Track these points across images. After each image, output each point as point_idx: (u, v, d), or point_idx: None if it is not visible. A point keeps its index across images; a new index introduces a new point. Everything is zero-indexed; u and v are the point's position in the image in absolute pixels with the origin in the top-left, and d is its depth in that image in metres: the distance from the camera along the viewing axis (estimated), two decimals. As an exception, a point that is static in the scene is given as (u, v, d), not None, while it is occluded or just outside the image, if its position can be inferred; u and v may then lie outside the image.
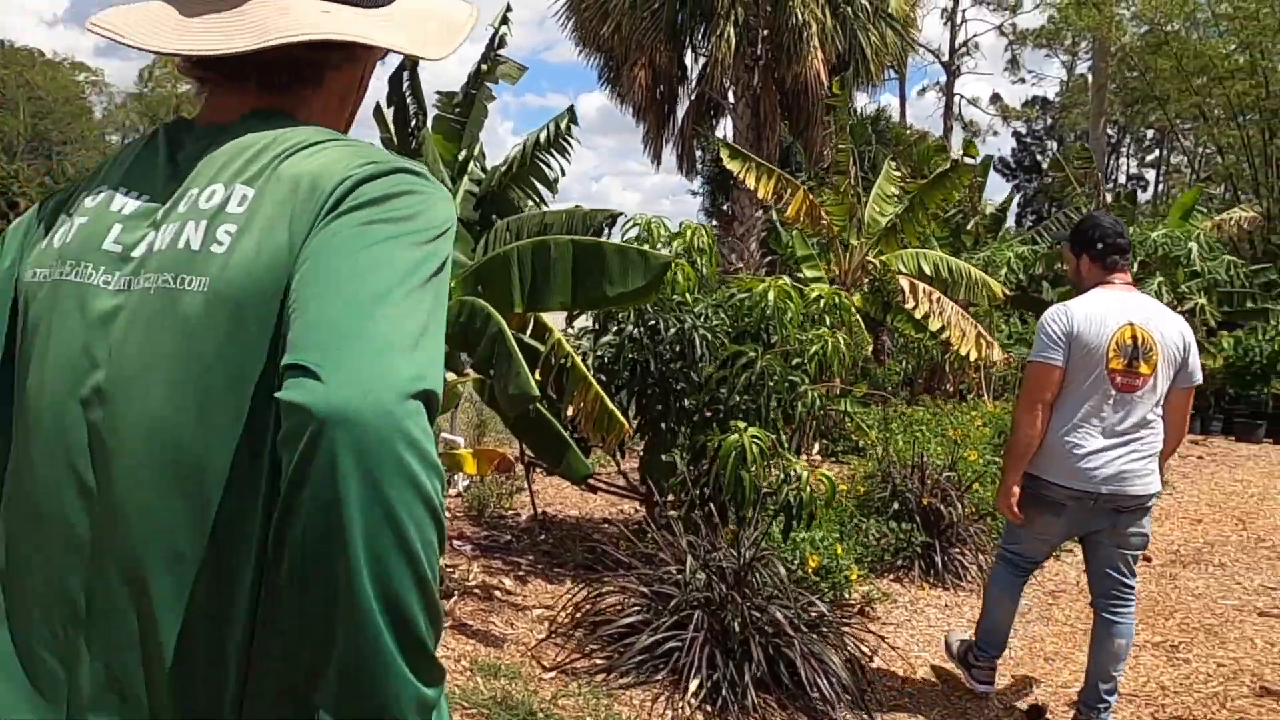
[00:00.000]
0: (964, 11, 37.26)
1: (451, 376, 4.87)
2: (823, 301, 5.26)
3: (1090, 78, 33.86)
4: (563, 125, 4.45)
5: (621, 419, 4.20)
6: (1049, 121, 44.03)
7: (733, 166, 8.72)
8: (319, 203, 0.84)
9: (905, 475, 5.62)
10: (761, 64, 14.34)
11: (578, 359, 4.27)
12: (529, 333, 4.38)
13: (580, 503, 6.74)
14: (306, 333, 0.75)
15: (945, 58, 36.30)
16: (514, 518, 6.46)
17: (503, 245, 4.25)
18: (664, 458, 5.02)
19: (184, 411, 0.84)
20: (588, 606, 4.13)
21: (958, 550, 5.39)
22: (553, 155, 4.47)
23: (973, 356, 8.99)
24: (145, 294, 0.88)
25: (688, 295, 4.94)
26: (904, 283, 8.63)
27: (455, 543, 5.58)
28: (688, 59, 16.07)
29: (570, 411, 4.22)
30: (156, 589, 0.83)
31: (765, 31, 14.59)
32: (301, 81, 0.99)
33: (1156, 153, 41.61)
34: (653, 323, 4.77)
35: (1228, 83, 23.39)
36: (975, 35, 55.67)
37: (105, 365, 0.88)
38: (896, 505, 5.43)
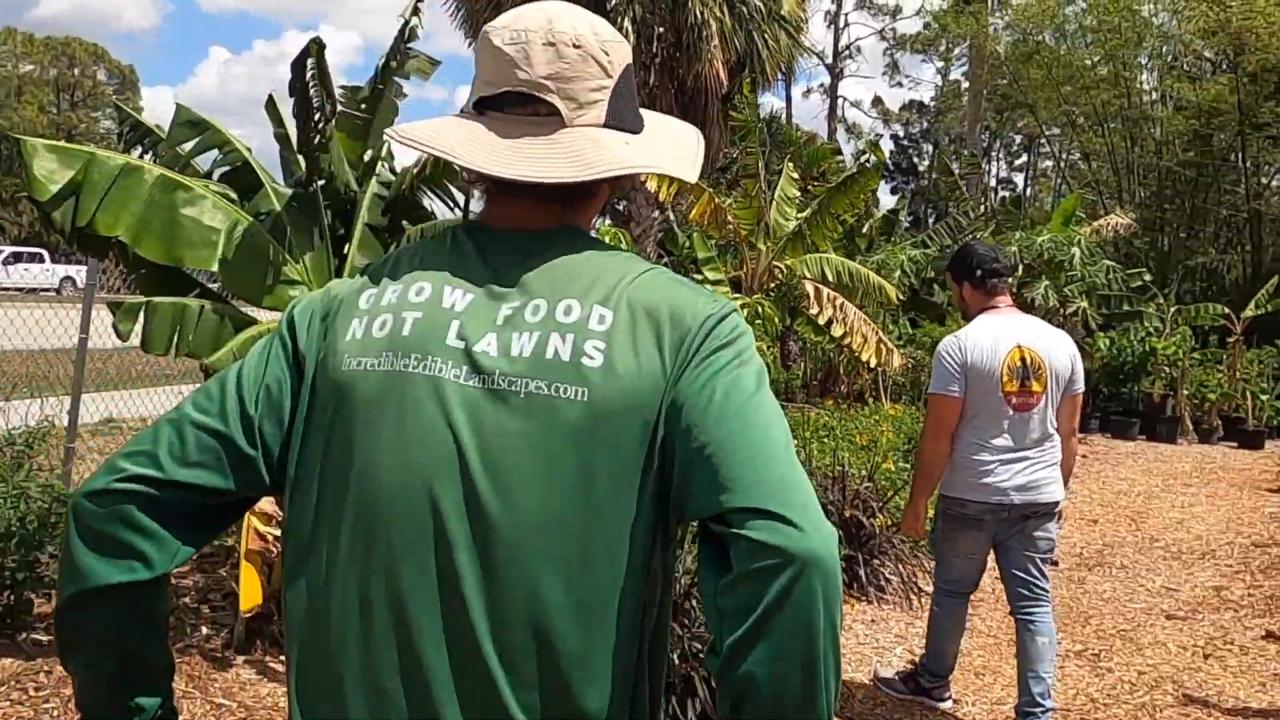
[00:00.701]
0: (846, 15, 38.24)
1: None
2: (745, 310, 5.12)
3: (966, 84, 35.25)
4: (479, 125, 4.16)
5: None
6: (925, 125, 45.70)
7: None
8: (686, 340, 0.98)
9: (826, 487, 5.55)
10: (658, 62, 14.20)
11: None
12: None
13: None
14: (753, 478, 0.90)
15: (829, 60, 37.16)
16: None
17: (417, 254, 3.94)
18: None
19: (569, 506, 0.95)
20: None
21: (879, 562, 5.35)
22: (469, 157, 4.16)
23: (873, 362, 9.09)
24: (514, 394, 0.97)
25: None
26: (809, 288, 8.63)
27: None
28: (584, 55, 15.81)
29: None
30: (519, 655, 0.96)
31: (661, 29, 14.47)
32: (586, 196, 1.11)
33: (1025, 157, 43.75)
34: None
35: (1093, 92, 24.68)
36: (858, 39, 57.29)
37: (477, 456, 0.96)
38: (820, 518, 5.35)
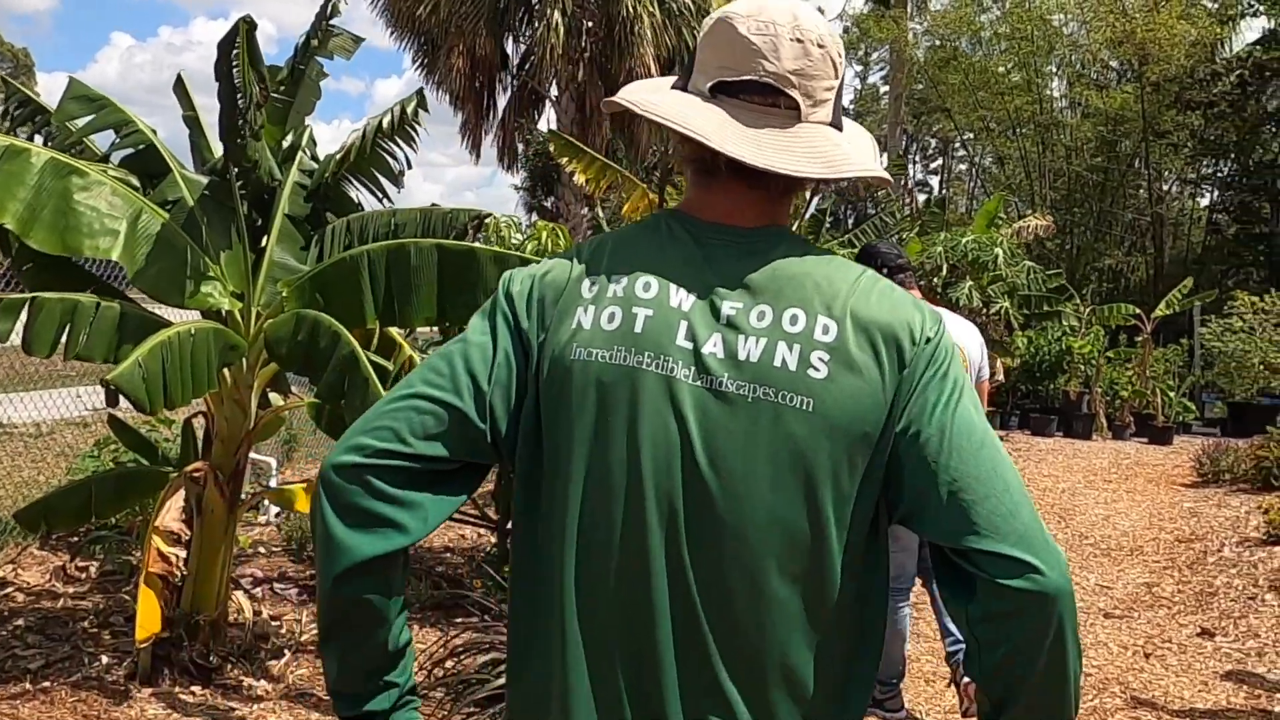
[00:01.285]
0: (770, 18, 38.44)
1: (276, 400, 4.19)
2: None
3: (885, 88, 35.84)
4: (409, 109, 3.87)
5: (485, 447, 3.71)
6: (845, 128, 46.23)
7: (562, 159, 8.22)
8: (907, 361, 1.03)
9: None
10: (588, 56, 13.98)
11: (433, 379, 3.73)
12: (374, 347, 3.79)
13: (418, 528, 6.10)
14: (999, 522, 0.99)
15: (753, 62, 37.27)
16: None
17: (342, 248, 3.63)
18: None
19: (791, 509, 1.01)
20: (451, 664, 3.61)
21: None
22: (398, 143, 3.88)
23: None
24: (741, 398, 1.01)
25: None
26: (744, 286, 8.52)
27: (277, 586, 4.87)
28: (510, 47, 15.49)
29: (425, 440, 3.68)
30: (741, 641, 1.03)
31: (590, 24, 14.25)
32: (788, 194, 1.13)
33: (940, 160, 44.80)
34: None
35: (1006, 97, 25.37)
36: (777, 42, 57.53)
37: (705, 453, 1.00)
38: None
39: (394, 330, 3.80)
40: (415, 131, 3.95)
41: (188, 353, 3.07)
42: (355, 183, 4.00)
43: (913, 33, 28.48)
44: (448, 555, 5.67)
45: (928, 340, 1.05)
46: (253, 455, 7.16)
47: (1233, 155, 23.47)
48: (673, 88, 1.14)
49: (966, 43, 26.85)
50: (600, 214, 14.79)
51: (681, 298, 1.05)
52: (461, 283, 3.12)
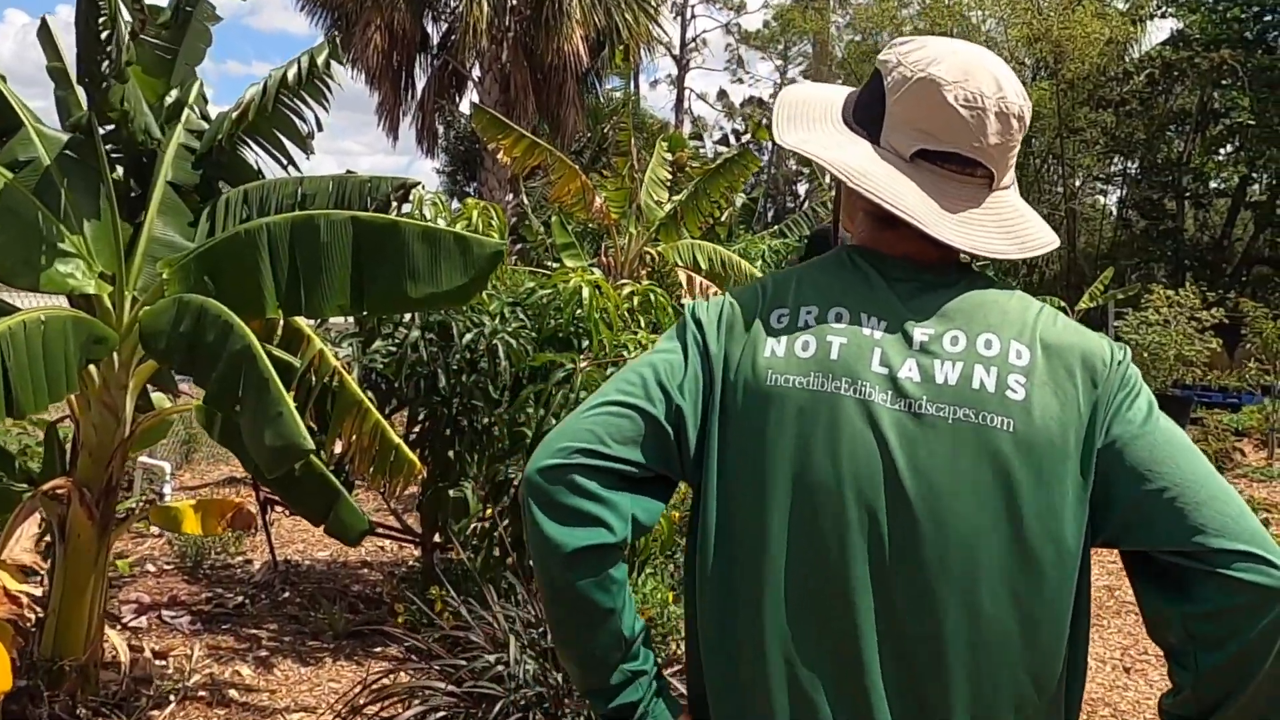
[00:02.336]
0: (693, 7, 38.32)
1: (161, 401, 3.57)
2: (635, 299, 4.48)
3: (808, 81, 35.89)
4: (320, 60, 3.30)
5: (412, 457, 3.17)
6: (765, 120, 46.58)
7: (488, 136, 7.63)
8: (1100, 383, 1.08)
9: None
10: (513, 35, 13.36)
11: (349, 377, 3.18)
12: (277, 340, 3.22)
13: (330, 541, 5.51)
14: (1229, 523, 1.01)
15: (676, 52, 37.08)
16: (244, 567, 5.13)
17: (240, 221, 3.05)
18: (452, 492, 4.03)
19: (996, 527, 1.03)
20: (374, 710, 3.08)
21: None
22: (306, 101, 3.31)
23: (744, 353, 8.66)
24: (941, 419, 1.05)
25: (484, 297, 3.97)
26: (682, 276, 8.10)
27: (167, 614, 4.24)
28: (430, 25, 14.74)
29: (338, 447, 3.14)
30: (953, 657, 1.03)
31: (515, 1, 13.62)
32: None
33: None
34: (444, 324, 3.76)
35: (926, 93, 25.54)
36: (704, 31, 57.88)
37: (910, 473, 1.04)
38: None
39: (301, 321, 3.23)
40: (327, 87, 3.38)
41: (38, 347, 2.47)
42: (255, 146, 3.41)
43: (835, 25, 28.62)
44: (365, 571, 5.09)
45: (1118, 363, 1.09)
46: (144, 459, 6.43)
47: (1141, 153, 24.13)
48: (850, 123, 1.17)
49: (887, 36, 27.05)
50: (526, 201, 14.21)
51: (873, 326, 1.08)
52: (382, 263, 2.59)
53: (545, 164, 7.29)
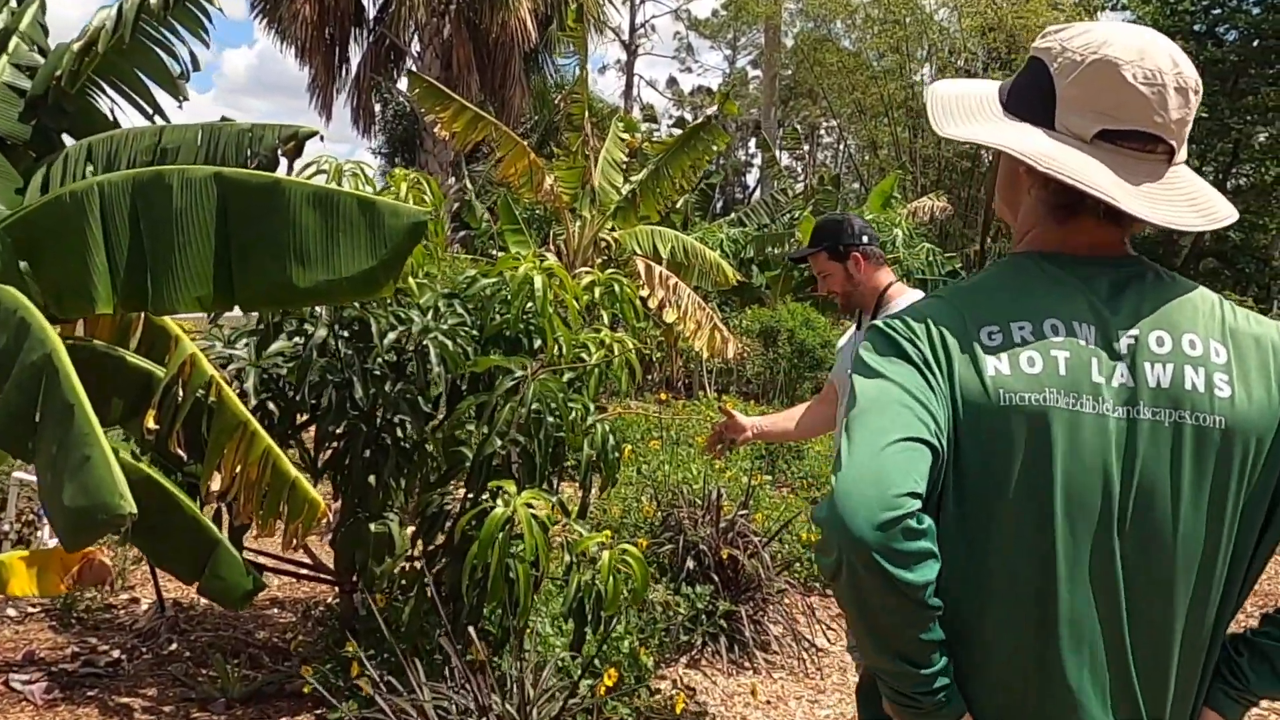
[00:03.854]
0: (642, -8, 37.56)
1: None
2: (597, 290, 3.77)
3: (754, 71, 35.54)
4: (194, -19, 2.53)
5: (313, 494, 2.44)
6: (716, 110, 45.98)
7: (426, 107, 6.81)
8: None
9: (695, 519, 4.32)
10: (454, 8, 12.49)
11: (229, 392, 2.42)
12: (136, 340, 2.45)
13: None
14: None
15: (625, 37, 36.30)
16: (129, 608, 4.31)
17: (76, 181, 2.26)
18: (374, 526, 3.29)
19: (1206, 527, 1.10)
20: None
21: (765, 616, 4.19)
22: (177, 32, 2.53)
23: (705, 353, 8.01)
24: (1158, 424, 1.10)
25: (410, 281, 3.23)
26: (640, 265, 7.40)
27: (15, 679, 3.42)
28: (364, -6, 13.78)
29: (217, 484, 2.39)
30: (1178, 654, 1.12)
31: (456, -28, 12.76)
32: (1139, 223, 1.18)
33: (806, 146, 45.09)
34: (361, 321, 3.02)
35: (880, 81, 25.30)
36: (653, 16, 57.16)
37: (1138, 482, 1.09)
38: (692, 563, 4.11)
39: (168, 319, 2.46)
40: (207, 16, 2.60)
41: None
42: (110, 91, 2.62)
43: (787, 12, 28.12)
44: (274, 613, 4.31)
45: None
46: (20, 474, 5.53)
47: (1093, 145, 24.12)
48: (1008, 108, 1.20)
49: (840, 25, 26.67)
50: (470, 185, 13.37)
51: (1086, 334, 1.12)
52: (258, 239, 1.85)
53: (489, 140, 6.53)
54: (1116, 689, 1.10)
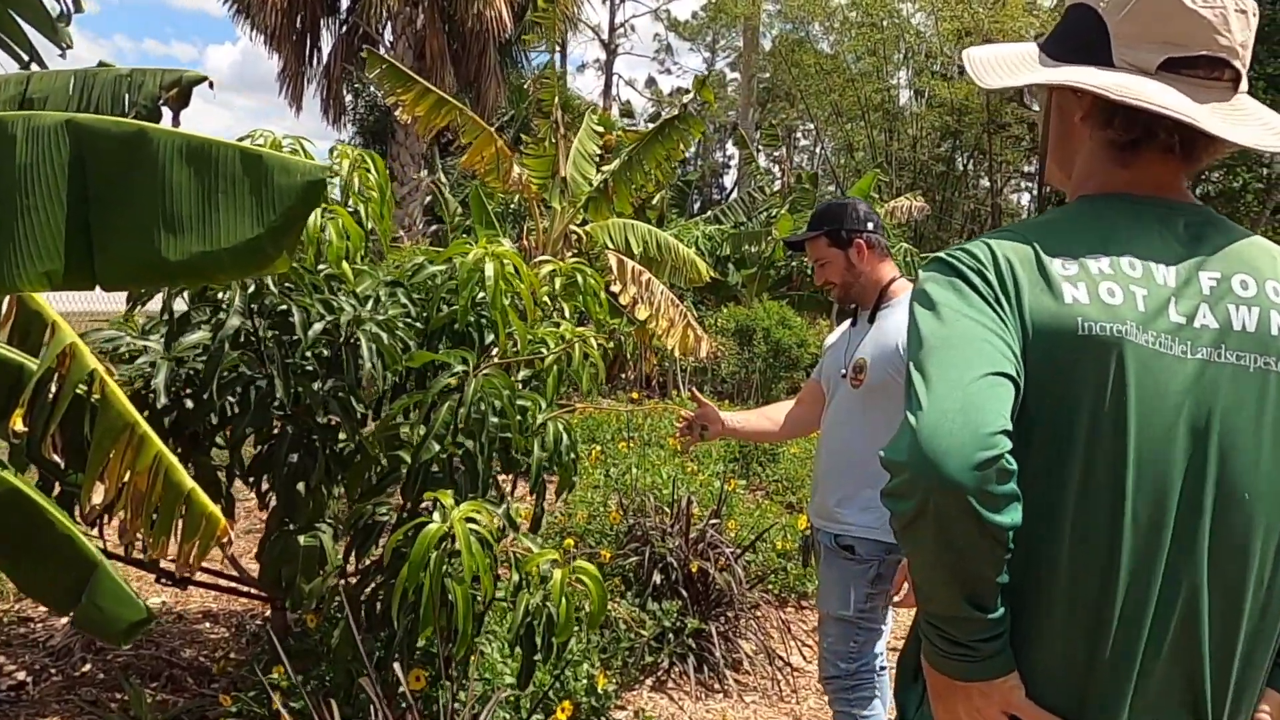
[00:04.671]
0: (623, -10, 37.30)
1: None
2: (558, 281, 3.45)
3: (735, 74, 35.42)
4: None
5: (212, 509, 2.11)
6: (696, 112, 45.70)
7: (386, 90, 6.42)
8: None
9: (664, 529, 4.02)
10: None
11: (115, 388, 2.08)
12: (6, 329, 2.11)
13: (157, 588, 4.33)
14: None
15: (604, 36, 35.99)
16: (45, 625, 3.94)
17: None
18: (303, 539, 2.96)
19: None
20: None
21: (737, 634, 3.89)
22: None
23: (678, 351, 7.71)
24: (1243, 369, 1.05)
25: (345, 266, 2.90)
26: (613, 260, 7.09)
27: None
28: (334, -18, 13.38)
29: (97, 497, 2.06)
30: (1251, 596, 1.05)
31: (428, -39, 12.39)
32: (1197, 165, 1.15)
33: (783, 149, 44.98)
34: (282, 309, 2.69)
35: (857, 84, 25.22)
36: (633, 15, 56.90)
37: (1219, 428, 1.03)
38: (659, 577, 3.80)
39: (41, 299, 2.12)
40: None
41: None
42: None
43: (766, 14, 27.96)
44: (205, 626, 3.96)
45: None
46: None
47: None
48: (1053, 56, 1.16)
49: (819, 27, 26.58)
50: (444, 178, 13.01)
51: (1163, 274, 1.07)
52: (120, 200, 1.52)
53: (454, 125, 6.18)
54: (1181, 652, 1.04)
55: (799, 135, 36.72)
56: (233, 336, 2.56)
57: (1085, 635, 1.04)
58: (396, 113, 6.00)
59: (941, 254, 1.12)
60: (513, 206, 12.38)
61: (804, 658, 4.06)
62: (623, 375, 12.02)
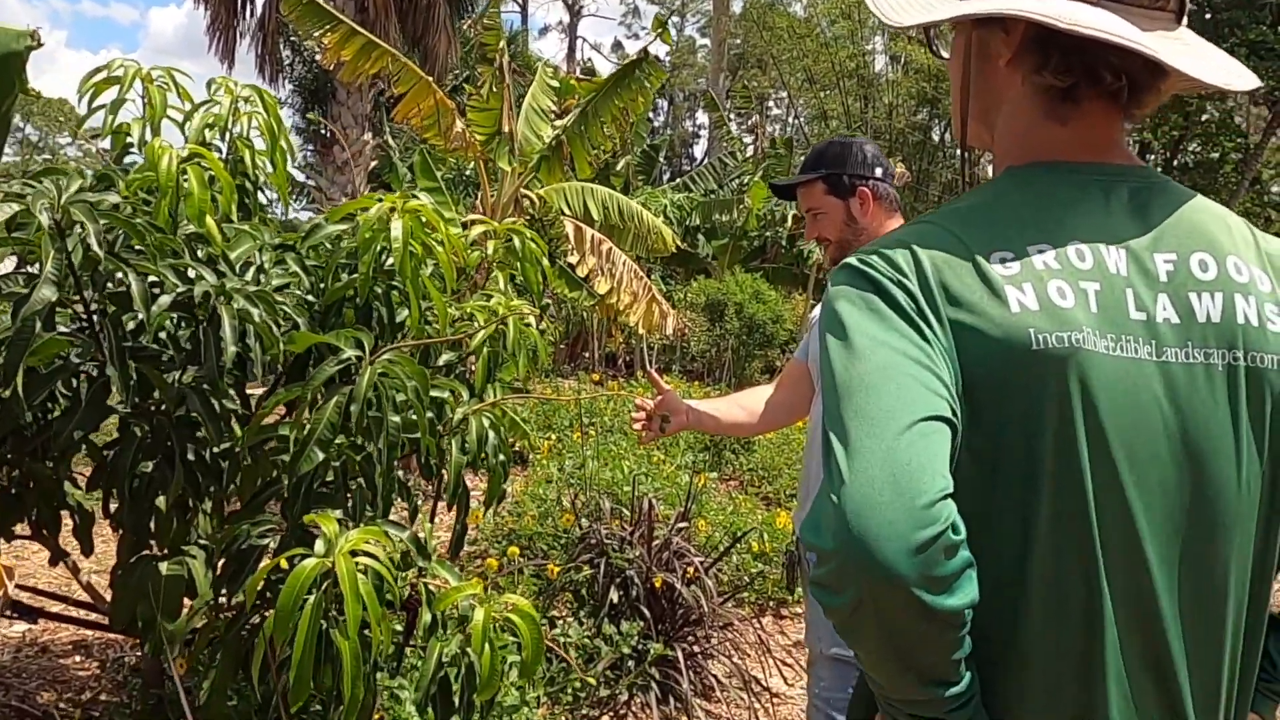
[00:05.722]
0: (587, -48, 36.30)
1: None
2: (491, 245, 2.86)
3: (705, 40, 34.69)
4: None
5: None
6: (653, 39, 44.89)
7: (303, 29, 5.67)
8: None
9: (624, 537, 3.46)
10: (372, -56, 11.31)
11: None
12: None
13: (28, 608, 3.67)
14: None
15: (568, -1, 35.03)
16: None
17: None
18: (165, 567, 2.36)
19: (1260, 484, 0.94)
20: None
21: (709, 657, 3.36)
22: None
23: (641, 327, 7.14)
24: (1211, 366, 0.91)
25: (210, 223, 2.28)
26: (569, 227, 6.48)
27: None
28: (273, -70, 12.47)
29: None
30: (1232, 617, 0.95)
31: (374, -92, 11.55)
32: (1131, 119, 1.01)
33: (755, 117, 44.36)
34: (120, 280, 2.08)
35: (831, 49, 24.75)
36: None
37: (1192, 436, 0.91)
38: (617, 594, 3.25)
39: None
40: None
41: None
42: None
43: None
44: (74, 661, 3.34)
45: None
46: None
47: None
48: None
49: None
50: (392, 142, 12.28)
51: (1115, 260, 0.92)
52: None
53: (386, 73, 5.51)
54: (1165, 678, 0.92)
55: (771, 104, 36.23)
56: (48, 314, 1.95)
57: (1069, 682, 0.91)
58: (320, 59, 5.32)
59: (853, 259, 0.94)
60: (467, 173, 11.69)
61: (784, 680, 3.55)
62: (585, 354, 11.45)
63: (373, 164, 11.84)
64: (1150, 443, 0.90)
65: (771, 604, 4.17)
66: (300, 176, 15.31)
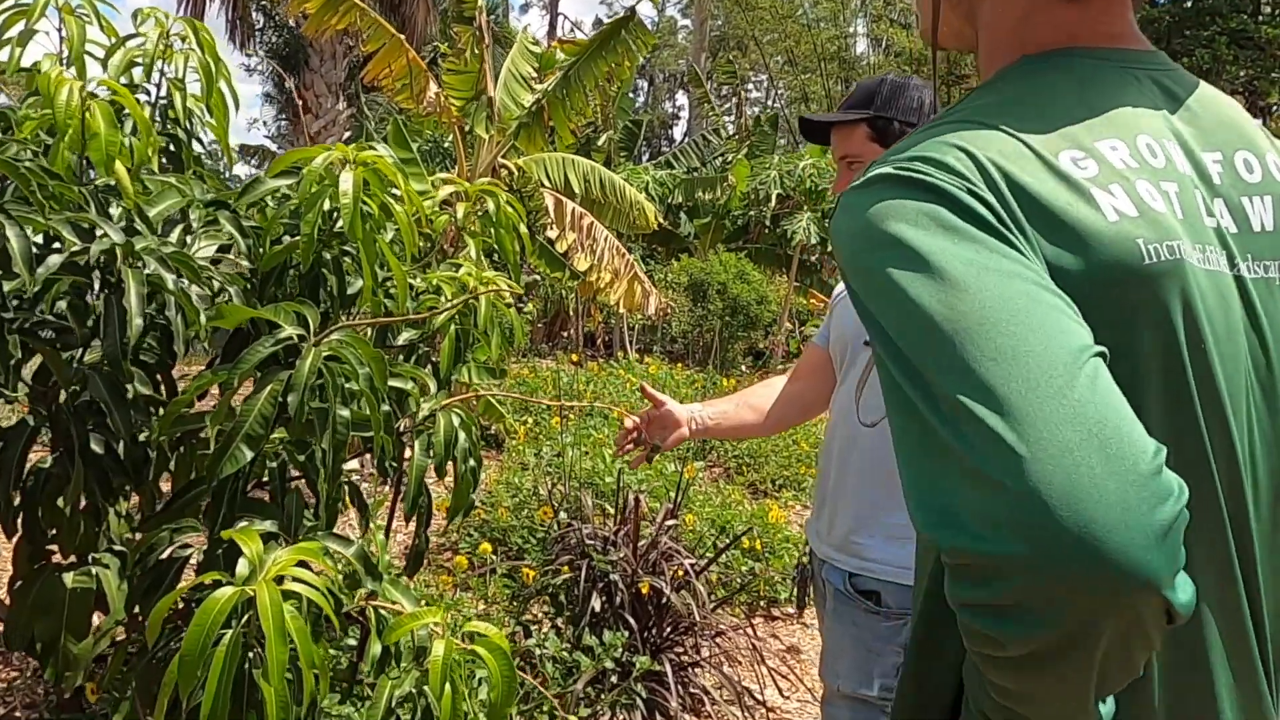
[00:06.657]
0: (568, -74, 35.66)
1: None
2: (462, 208, 2.51)
3: (686, 20, 34.30)
4: None
5: None
6: (643, 60, 44.47)
7: None
8: None
9: (608, 537, 3.13)
10: (344, -96, 10.80)
11: None
12: None
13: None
14: None
15: (549, -26, 34.40)
16: None
17: None
18: (71, 579, 2.01)
19: None
20: None
21: (697, 669, 3.05)
22: None
23: (622, 306, 6.81)
24: (1268, 281, 0.78)
25: (121, 171, 1.91)
26: (549, 200, 6.12)
27: None
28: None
29: None
30: None
31: None
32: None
33: (734, 100, 44.00)
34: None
35: (814, 31, 24.44)
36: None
37: (1271, 354, 0.78)
38: (600, 601, 2.92)
39: None
40: None
41: None
42: None
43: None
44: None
45: None
46: None
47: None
48: None
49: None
50: (369, 112, 11.81)
51: (1179, 159, 0.76)
52: None
53: (354, 29, 5.12)
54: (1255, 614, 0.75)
55: (750, 87, 35.91)
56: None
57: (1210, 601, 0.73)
58: (282, 8, 4.93)
59: (887, 168, 0.70)
60: (445, 145, 11.27)
61: (779, 691, 3.25)
62: (564, 334, 11.11)
63: (346, 134, 11.38)
64: (1242, 372, 0.75)
65: (763, 604, 3.88)
66: (272, 146, 14.81)
